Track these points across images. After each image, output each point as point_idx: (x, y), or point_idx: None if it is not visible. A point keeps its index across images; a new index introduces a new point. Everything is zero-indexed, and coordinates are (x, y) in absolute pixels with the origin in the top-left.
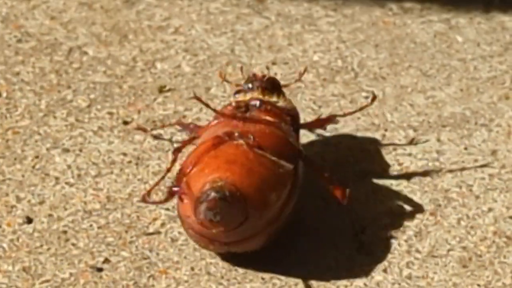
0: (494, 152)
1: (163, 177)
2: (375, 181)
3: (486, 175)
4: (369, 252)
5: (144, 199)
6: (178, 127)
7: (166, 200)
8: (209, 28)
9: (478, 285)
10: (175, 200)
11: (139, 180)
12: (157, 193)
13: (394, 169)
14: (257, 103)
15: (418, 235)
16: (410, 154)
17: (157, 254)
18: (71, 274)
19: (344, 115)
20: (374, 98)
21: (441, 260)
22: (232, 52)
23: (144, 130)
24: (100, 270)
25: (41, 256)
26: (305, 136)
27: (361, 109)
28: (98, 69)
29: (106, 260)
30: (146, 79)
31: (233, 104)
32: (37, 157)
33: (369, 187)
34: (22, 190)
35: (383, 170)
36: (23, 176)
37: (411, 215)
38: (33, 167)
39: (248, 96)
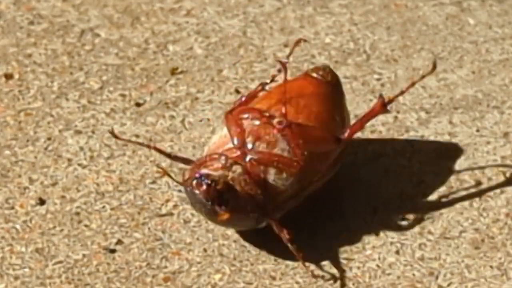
0: (506, 134)
1: None
2: (387, 163)
3: (498, 157)
4: (382, 233)
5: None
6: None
7: None
8: (221, 10)
9: (491, 266)
10: None
11: (151, 162)
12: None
13: (406, 151)
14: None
15: (430, 217)
16: (422, 136)
17: (170, 235)
18: (84, 255)
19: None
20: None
21: (453, 242)
22: (244, 35)
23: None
24: (113, 251)
25: (54, 238)
26: None
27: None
28: (110, 51)
29: (119, 242)
30: (158, 61)
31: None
32: (49, 138)
33: (381, 169)
34: (35, 171)
35: (395, 152)
36: (35, 157)
37: (423, 197)
38: (46, 148)
39: None
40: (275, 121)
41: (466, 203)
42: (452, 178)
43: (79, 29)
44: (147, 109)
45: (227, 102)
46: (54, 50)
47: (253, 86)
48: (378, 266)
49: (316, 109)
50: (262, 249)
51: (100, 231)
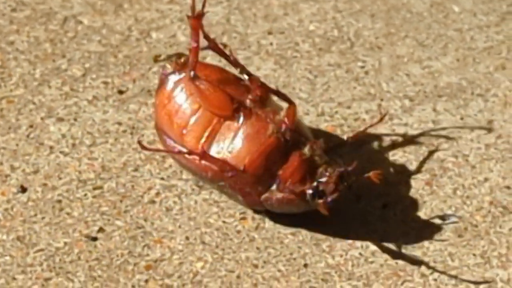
0: (490, 122)
1: None
2: (371, 150)
3: (482, 145)
4: (365, 221)
5: None
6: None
7: None
8: None
9: (474, 254)
10: (170, 170)
11: (133, 149)
12: (151, 163)
13: (390, 139)
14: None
15: (414, 205)
16: (406, 124)
17: (152, 223)
18: (65, 243)
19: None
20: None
21: (436, 230)
22: (227, 22)
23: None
24: (94, 239)
25: (35, 225)
26: (301, 106)
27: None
28: (93, 38)
29: (101, 229)
30: (141, 48)
31: None
32: (31, 126)
33: (365, 157)
34: (17, 159)
35: (379, 139)
36: (17, 145)
37: (406, 185)
38: (28, 136)
39: None
40: None
41: (449, 191)
42: (436, 166)
43: (62, 16)
44: (129, 96)
45: None
46: (36, 37)
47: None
48: (361, 254)
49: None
50: (244, 237)
51: (81, 219)
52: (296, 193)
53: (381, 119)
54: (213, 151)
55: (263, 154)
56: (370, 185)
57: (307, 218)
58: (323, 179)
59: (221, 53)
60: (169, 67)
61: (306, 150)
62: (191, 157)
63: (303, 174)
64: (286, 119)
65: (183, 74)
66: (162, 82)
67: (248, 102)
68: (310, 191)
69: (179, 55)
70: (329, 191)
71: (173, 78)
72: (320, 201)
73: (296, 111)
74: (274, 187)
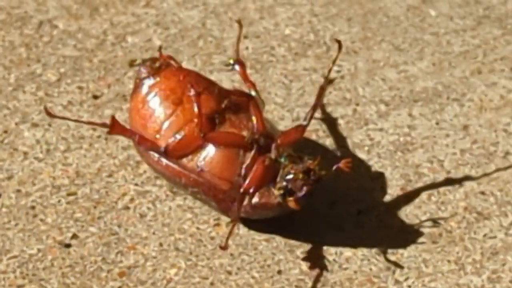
0: (465, 127)
1: None
2: (346, 156)
3: (457, 150)
4: (339, 228)
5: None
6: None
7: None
8: (180, 1)
9: (448, 260)
10: (144, 176)
11: (108, 155)
12: (126, 168)
13: (365, 144)
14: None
15: (388, 211)
16: (381, 129)
17: (126, 229)
18: (39, 250)
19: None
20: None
21: (411, 236)
22: (203, 26)
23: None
24: (68, 246)
25: (9, 232)
26: (276, 111)
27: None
28: (68, 43)
29: (74, 236)
30: (116, 53)
31: None
32: (5, 131)
33: (339, 162)
34: None
35: (354, 145)
36: None
37: (381, 191)
38: (2, 141)
39: None
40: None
41: (424, 197)
42: (411, 172)
43: (37, 20)
44: (104, 101)
45: None
46: (11, 41)
47: (212, 77)
48: (335, 260)
49: None
50: (218, 244)
51: (55, 226)
52: (267, 197)
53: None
54: (186, 158)
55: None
56: (345, 191)
57: (281, 224)
58: (290, 177)
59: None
60: (144, 72)
61: (272, 152)
62: (165, 163)
63: (268, 177)
64: (255, 121)
65: (157, 79)
66: (137, 86)
67: (221, 110)
68: (280, 192)
69: (154, 60)
70: (297, 187)
71: (148, 82)
72: (291, 198)
73: (259, 104)
74: (247, 198)
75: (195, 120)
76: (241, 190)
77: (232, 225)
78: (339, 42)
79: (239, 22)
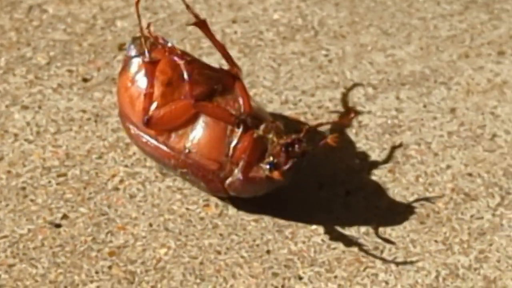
0: (453, 110)
1: None
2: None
3: (444, 132)
4: (328, 208)
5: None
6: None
7: None
8: None
9: (436, 241)
10: (133, 157)
11: (98, 137)
12: (115, 150)
13: (353, 127)
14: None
15: (376, 192)
16: (369, 112)
17: (116, 210)
18: (29, 230)
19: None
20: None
21: (399, 217)
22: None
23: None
24: (58, 226)
25: None
26: (264, 94)
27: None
28: (58, 27)
29: (65, 216)
30: (106, 37)
31: None
32: None
33: (328, 144)
34: None
35: (342, 127)
36: None
37: (369, 172)
38: None
39: None
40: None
41: (412, 178)
42: (399, 153)
43: (27, 5)
44: (94, 84)
45: None
46: (1, 25)
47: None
48: (323, 240)
49: None
50: (207, 224)
51: (45, 206)
52: (256, 171)
53: (349, 118)
54: (174, 138)
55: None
56: (333, 173)
57: (270, 205)
58: (276, 150)
59: (210, 35)
60: (133, 49)
61: (260, 129)
62: (154, 144)
63: (257, 152)
64: (241, 101)
65: (147, 57)
66: (126, 64)
67: (208, 89)
68: (266, 166)
69: (144, 38)
70: (282, 160)
71: (137, 60)
72: (277, 171)
73: (244, 86)
74: (235, 172)
75: (186, 86)
76: (229, 163)
77: None
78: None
79: None
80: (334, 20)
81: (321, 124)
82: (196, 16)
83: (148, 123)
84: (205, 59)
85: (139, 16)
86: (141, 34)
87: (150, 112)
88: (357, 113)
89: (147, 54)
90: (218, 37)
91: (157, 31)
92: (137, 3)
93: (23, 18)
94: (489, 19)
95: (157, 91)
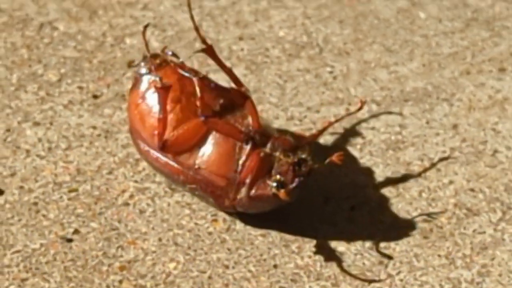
0: (455, 126)
1: None
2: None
3: (447, 148)
4: (333, 223)
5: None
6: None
7: None
8: (177, 4)
9: (439, 255)
10: (143, 173)
11: (108, 153)
12: (125, 166)
13: (357, 142)
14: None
15: (381, 207)
16: (373, 128)
17: (126, 225)
18: (41, 244)
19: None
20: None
21: (403, 231)
22: (200, 28)
23: None
24: (70, 240)
25: (12, 227)
26: (271, 110)
27: (349, 114)
28: (69, 44)
29: (76, 231)
30: (115, 54)
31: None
32: (8, 130)
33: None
34: None
35: (347, 143)
36: None
37: (374, 187)
38: (5, 140)
39: None
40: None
41: (415, 194)
42: (402, 169)
43: (38, 22)
44: (104, 101)
45: None
46: (13, 43)
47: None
48: (329, 254)
49: None
50: (215, 239)
51: (57, 221)
52: (263, 189)
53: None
54: (184, 154)
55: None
56: (338, 188)
57: (277, 220)
58: (282, 169)
59: (217, 59)
60: (144, 67)
61: (268, 147)
62: (164, 160)
63: (264, 169)
64: (250, 120)
65: (157, 75)
66: (137, 81)
67: (218, 107)
68: (273, 184)
69: (154, 56)
70: (288, 179)
71: (148, 78)
72: (283, 190)
73: (254, 104)
74: (243, 189)
75: (197, 103)
76: (237, 181)
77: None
78: (362, 102)
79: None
80: (338, 37)
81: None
82: (203, 41)
83: (164, 147)
84: (212, 76)
85: (145, 39)
86: (150, 54)
87: (163, 137)
88: (364, 102)
89: (158, 79)
90: (225, 54)
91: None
92: (145, 28)
93: (34, 35)
94: (490, 36)
95: (167, 108)
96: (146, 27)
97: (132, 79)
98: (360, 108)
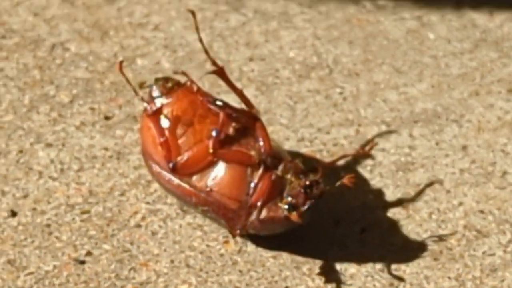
0: (464, 147)
1: None
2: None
3: (456, 169)
4: (344, 245)
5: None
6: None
7: None
8: (188, 25)
9: (449, 277)
10: (155, 194)
11: (120, 174)
12: (137, 187)
13: (368, 164)
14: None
15: (391, 229)
16: (383, 149)
17: (138, 247)
18: (54, 266)
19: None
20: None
21: (413, 253)
22: (210, 49)
23: None
24: (82, 262)
25: (25, 249)
26: (281, 131)
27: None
28: (80, 65)
29: (89, 253)
30: (127, 75)
31: None
32: (21, 151)
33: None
34: (7, 184)
35: (357, 164)
36: (7, 170)
37: (384, 209)
38: (17, 161)
39: None
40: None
41: (425, 215)
42: (412, 190)
43: (50, 43)
44: (116, 122)
45: None
46: (25, 64)
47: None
48: (339, 276)
49: None
50: (227, 261)
51: (70, 243)
52: (275, 211)
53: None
54: (196, 176)
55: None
56: (349, 210)
57: (288, 242)
58: (294, 191)
59: (228, 81)
60: (156, 90)
61: (279, 169)
62: (176, 182)
63: (275, 192)
64: (261, 142)
65: (170, 99)
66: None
67: (231, 130)
68: (285, 207)
69: (166, 79)
70: (300, 201)
71: (159, 101)
72: (294, 213)
73: (264, 126)
74: (255, 211)
75: (205, 140)
76: (249, 204)
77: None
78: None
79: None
80: (348, 58)
81: (339, 159)
82: (214, 63)
83: (174, 169)
84: (223, 97)
85: (126, 78)
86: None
87: (174, 159)
88: (374, 144)
89: (148, 107)
90: (236, 75)
91: (176, 69)
92: (120, 64)
93: (46, 56)
94: (498, 57)
95: (179, 131)
96: (121, 62)
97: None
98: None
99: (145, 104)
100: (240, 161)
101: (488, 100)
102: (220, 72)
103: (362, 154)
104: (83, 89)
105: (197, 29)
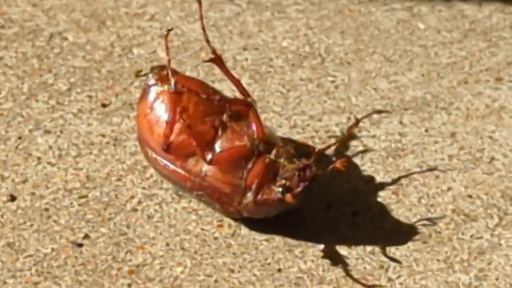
0: (453, 134)
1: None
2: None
3: (445, 156)
4: (335, 228)
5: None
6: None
7: None
8: (183, 15)
9: (438, 260)
10: (151, 180)
11: (116, 160)
12: (133, 173)
13: (359, 150)
14: None
15: (382, 213)
16: (374, 136)
17: (134, 230)
18: (53, 249)
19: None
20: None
21: (402, 237)
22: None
23: None
24: (80, 245)
25: (24, 232)
26: (274, 119)
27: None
28: (78, 54)
29: (86, 236)
30: (123, 64)
31: None
32: (20, 138)
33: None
34: (6, 169)
35: (349, 151)
36: (6, 156)
37: (375, 194)
38: (17, 147)
39: None
40: None
41: (415, 200)
42: (402, 176)
43: (48, 33)
44: (112, 109)
45: None
46: (24, 53)
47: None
48: (331, 259)
49: None
50: (221, 244)
51: (68, 226)
52: (269, 194)
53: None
54: (191, 161)
55: (232, 154)
56: (340, 194)
57: (281, 225)
58: (288, 174)
59: (225, 70)
60: (152, 78)
61: (272, 154)
62: (171, 168)
63: (269, 175)
64: (254, 127)
65: (165, 86)
66: (145, 92)
67: (225, 116)
68: (279, 189)
69: (162, 67)
70: (294, 183)
71: (155, 89)
72: (289, 194)
73: (257, 113)
74: (249, 194)
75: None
76: (243, 187)
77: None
78: (357, 119)
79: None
80: (340, 47)
81: (329, 146)
82: (214, 51)
83: (168, 149)
84: (217, 85)
85: (167, 47)
86: (158, 66)
87: (170, 139)
88: (359, 121)
89: (172, 85)
90: (230, 64)
91: (172, 58)
92: (166, 35)
93: (45, 45)
94: (487, 47)
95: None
96: (169, 31)
97: (139, 89)
98: (356, 125)
99: (172, 81)
100: (237, 156)
101: (476, 88)
102: (217, 60)
103: (350, 137)
104: (81, 77)
105: (201, 18)
